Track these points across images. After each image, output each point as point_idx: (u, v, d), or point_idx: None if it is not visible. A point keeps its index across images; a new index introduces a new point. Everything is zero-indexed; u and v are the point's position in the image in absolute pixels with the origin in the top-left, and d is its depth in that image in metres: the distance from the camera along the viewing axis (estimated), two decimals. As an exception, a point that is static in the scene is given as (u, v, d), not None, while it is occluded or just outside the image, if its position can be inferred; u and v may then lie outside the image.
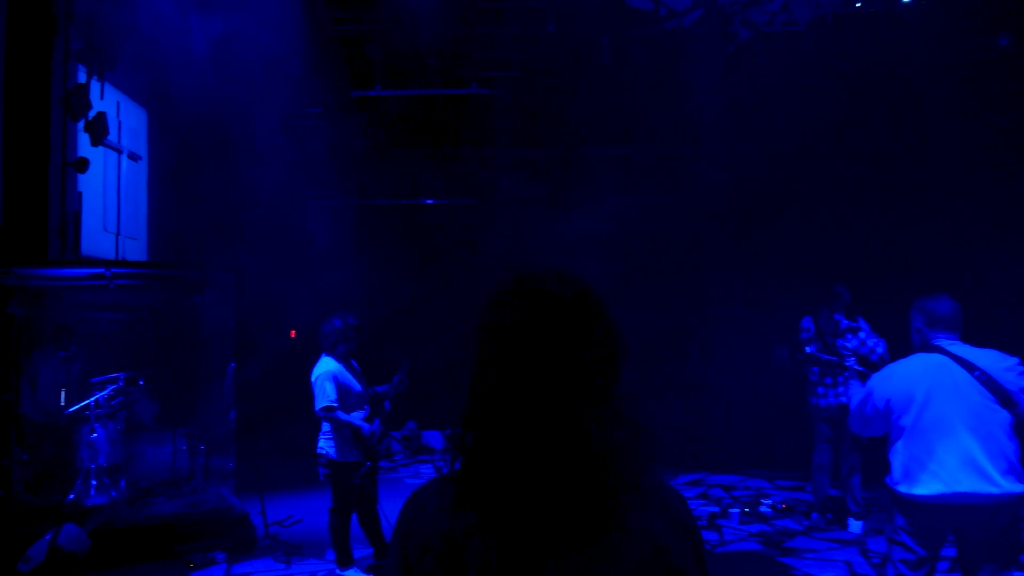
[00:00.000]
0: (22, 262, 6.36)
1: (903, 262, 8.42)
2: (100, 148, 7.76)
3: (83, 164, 7.35)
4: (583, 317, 1.27)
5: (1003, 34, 7.98)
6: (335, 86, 9.30)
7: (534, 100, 9.83)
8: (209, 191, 9.04)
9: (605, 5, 8.73)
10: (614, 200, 9.73)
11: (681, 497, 1.31)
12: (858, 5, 8.19)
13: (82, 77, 7.49)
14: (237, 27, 8.04)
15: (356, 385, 5.57)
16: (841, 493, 6.90)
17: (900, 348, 4.04)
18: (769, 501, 7.73)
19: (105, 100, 7.78)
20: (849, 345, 6.51)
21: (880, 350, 6.46)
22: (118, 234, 8.43)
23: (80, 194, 7.57)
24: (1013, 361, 3.51)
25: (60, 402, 6.72)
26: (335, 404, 5.37)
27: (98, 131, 7.40)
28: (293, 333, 9.64)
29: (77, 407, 6.49)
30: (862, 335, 6.59)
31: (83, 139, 7.43)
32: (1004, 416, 3.41)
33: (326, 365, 5.49)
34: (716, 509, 7.65)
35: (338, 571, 5.61)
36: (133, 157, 8.85)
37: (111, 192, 8.34)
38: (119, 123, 8.41)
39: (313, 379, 5.48)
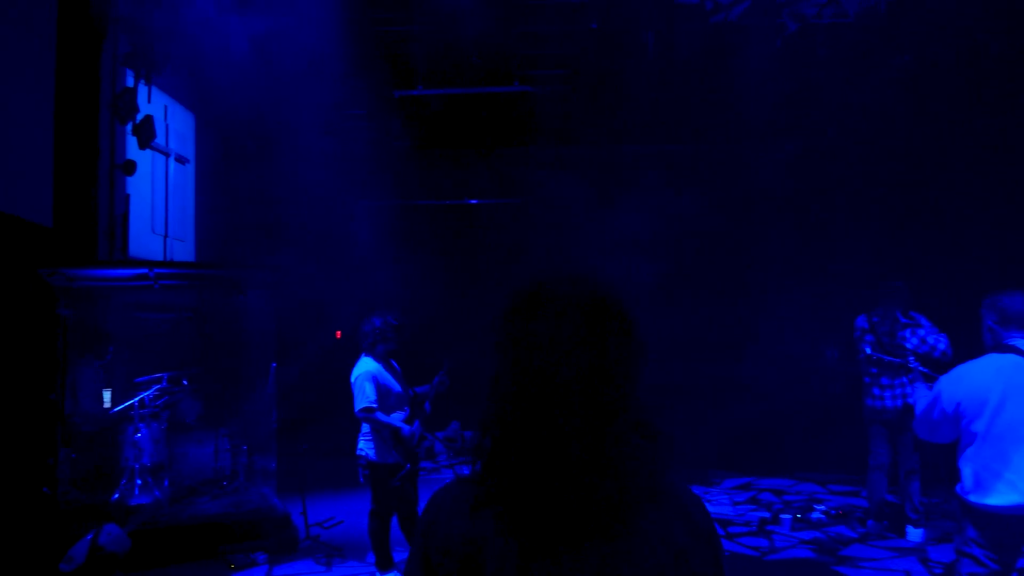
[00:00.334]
0: (71, 264, 6.44)
1: (965, 257, 8.08)
2: (148, 151, 7.86)
3: (130, 167, 7.45)
4: (601, 321, 1.27)
5: None
6: (377, 86, 9.29)
7: (578, 97, 9.70)
8: (253, 192, 9.11)
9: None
10: (661, 199, 9.56)
11: (701, 504, 1.31)
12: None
13: (130, 81, 7.58)
14: (280, 29, 8.06)
15: (396, 386, 5.48)
16: (899, 499, 6.61)
17: (964, 346, 3.82)
18: (822, 507, 7.46)
19: (153, 104, 7.87)
20: (908, 345, 6.24)
21: (942, 346, 6.17)
22: (166, 236, 8.52)
23: (128, 196, 7.66)
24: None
25: (105, 402, 6.78)
26: (374, 405, 5.30)
27: (145, 134, 7.49)
28: (339, 334, 9.64)
29: (122, 407, 6.54)
30: (921, 332, 6.29)
31: (131, 142, 7.52)
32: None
33: (365, 365, 5.42)
34: (766, 514, 7.41)
35: (378, 574, 5.53)
36: (180, 160, 8.94)
37: (159, 195, 8.44)
38: (167, 126, 8.51)
39: (352, 380, 5.40)
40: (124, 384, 6.78)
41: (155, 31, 7.57)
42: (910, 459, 6.44)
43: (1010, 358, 3.34)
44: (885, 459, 6.58)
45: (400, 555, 5.73)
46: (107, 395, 6.82)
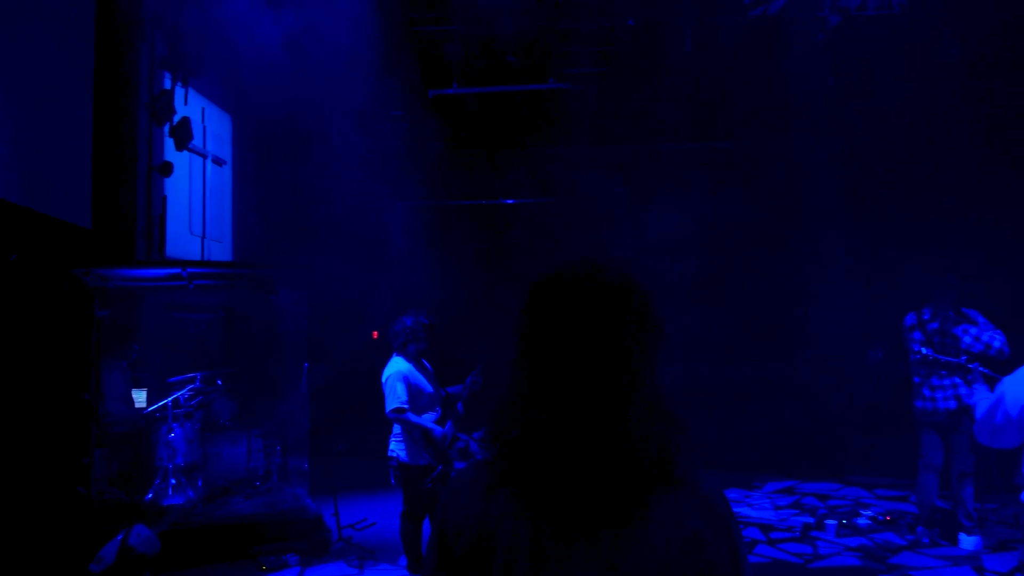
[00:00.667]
0: (108, 264, 6.49)
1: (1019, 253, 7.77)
2: (185, 153, 7.91)
3: (167, 168, 7.50)
4: (617, 304, 1.28)
5: None
6: (412, 85, 9.25)
7: (614, 95, 9.56)
8: (289, 192, 9.14)
9: (687, -7, 8.41)
10: (700, 196, 9.39)
11: (722, 495, 1.29)
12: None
13: (167, 83, 7.64)
14: (314, 29, 8.07)
15: (428, 386, 5.40)
16: (950, 505, 6.32)
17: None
18: (869, 512, 7.19)
19: (190, 106, 7.92)
20: (960, 344, 5.97)
21: (998, 344, 5.86)
22: (204, 237, 8.58)
23: (165, 198, 7.72)
24: None
25: (139, 402, 6.82)
26: (405, 406, 5.21)
27: (182, 136, 7.53)
28: (376, 334, 9.62)
29: (156, 406, 6.57)
30: (974, 331, 6.00)
31: (168, 144, 7.58)
32: None
33: (396, 365, 5.34)
34: (810, 520, 7.18)
35: (410, 577, 5.46)
36: (218, 162, 9.00)
37: (196, 196, 8.50)
38: (204, 128, 8.57)
39: (383, 380, 5.33)
40: (158, 384, 6.81)
41: (192, 33, 7.63)
42: (964, 462, 6.13)
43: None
44: (938, 461, 6.29)
45: (432, 558, 5.64)
46: (142, 395, 6.86)
